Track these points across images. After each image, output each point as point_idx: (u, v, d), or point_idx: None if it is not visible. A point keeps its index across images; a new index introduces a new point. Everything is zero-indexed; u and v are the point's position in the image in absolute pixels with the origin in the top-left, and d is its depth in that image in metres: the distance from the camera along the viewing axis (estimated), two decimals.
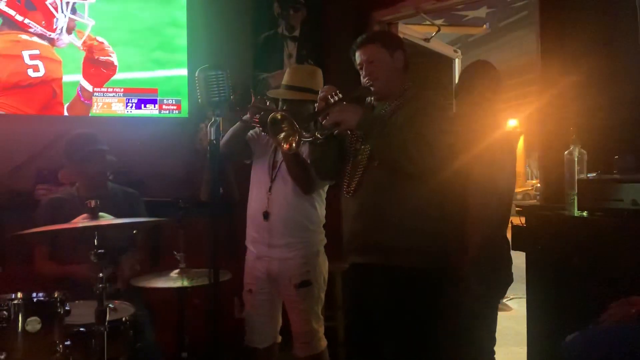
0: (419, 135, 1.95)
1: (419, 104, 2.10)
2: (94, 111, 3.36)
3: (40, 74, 3.29)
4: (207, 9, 3.62)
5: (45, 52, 3.31)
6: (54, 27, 3.31)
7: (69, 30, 3.35)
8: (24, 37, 3.28)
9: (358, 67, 2.19)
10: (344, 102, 2.02)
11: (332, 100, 2.01)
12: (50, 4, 3.31)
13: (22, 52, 3.26)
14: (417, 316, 2.02)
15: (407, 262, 2.02)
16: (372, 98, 2.20)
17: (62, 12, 3.32)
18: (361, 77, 2.17)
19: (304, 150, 2.44)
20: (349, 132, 2.15)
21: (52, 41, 3.32)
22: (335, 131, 2.05)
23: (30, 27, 3.28)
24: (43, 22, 3.30)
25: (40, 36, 3.30)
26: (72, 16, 3.35)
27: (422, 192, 2.04)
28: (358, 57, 2.17)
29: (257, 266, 2.59)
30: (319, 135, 2.06)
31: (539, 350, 2.58)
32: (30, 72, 3.28)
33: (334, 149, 2.20)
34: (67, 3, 3.33)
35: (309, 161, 2.38)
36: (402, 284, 2.02)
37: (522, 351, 2.84)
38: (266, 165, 2.61)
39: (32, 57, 3.29)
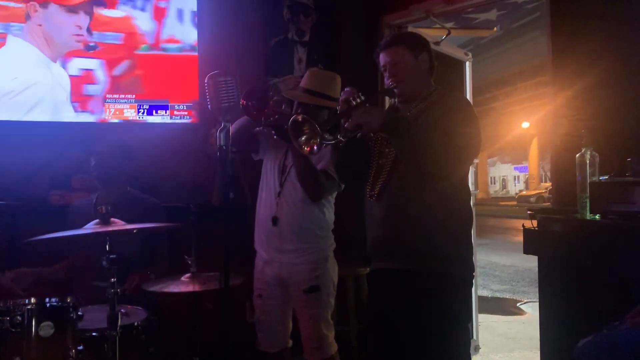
0: (446, 136, 1.89)
1: (446, 105, 2.03)
2: (106, 117, 3.39)
3: None
4: (217, 14, 3.64)
5: None
6: None
7: None
8: None
9: (382, 70, 2.13)
10: (367, 105, 1.96)
11: (354, 102, 1.94)
12: None
13: None
14: (445, 322, 1.97)
15: (437, 267, 1.97)
16: (396, 100, 2.15)
17: None
18: (384, 79, 2.12)
19: (324, 155, 2.40)
20: (372, 134, 2.10)
21: None
22: (358, 134, 1.99)
23: None
24: None
25: None
26: None
27: (449, 196, 1.99)
28: (382, 59, 2.12)
29: (267, 271, 2.59)
30: (341, 138, 1.99)
31: (553, 354, 2.56)
32: None
33: (356, 153, 2.14)
34: None
35: (332, 165, 2.33)
36: (431, 289, 1.97)
37: (534, 356, 2.81)
38: (276, 169, 2.60)
39: None
